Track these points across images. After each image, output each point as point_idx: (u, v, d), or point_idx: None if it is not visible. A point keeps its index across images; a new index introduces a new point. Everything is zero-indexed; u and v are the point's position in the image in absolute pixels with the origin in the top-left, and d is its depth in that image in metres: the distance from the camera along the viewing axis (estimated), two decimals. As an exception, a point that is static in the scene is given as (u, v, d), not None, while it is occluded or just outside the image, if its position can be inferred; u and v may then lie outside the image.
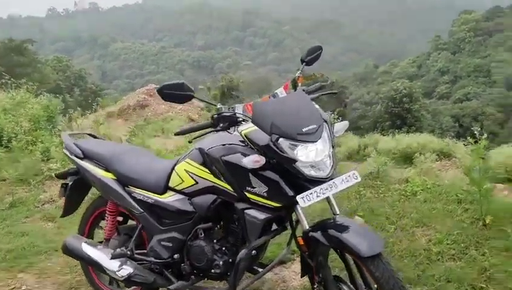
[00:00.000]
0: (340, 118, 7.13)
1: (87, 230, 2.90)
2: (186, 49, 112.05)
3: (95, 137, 3.01)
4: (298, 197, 1.94)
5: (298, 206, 2.01)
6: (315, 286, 2.15)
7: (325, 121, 2.11)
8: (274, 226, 2.34)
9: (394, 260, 2.90)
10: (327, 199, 2.11)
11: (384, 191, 3.99)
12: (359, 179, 2.10)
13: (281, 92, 2.43)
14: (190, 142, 2.26)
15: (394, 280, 1.87)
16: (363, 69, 71.52)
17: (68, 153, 2.73)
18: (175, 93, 2.04)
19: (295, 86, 2.42)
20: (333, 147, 2.09)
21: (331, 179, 2.03)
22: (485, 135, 3.45)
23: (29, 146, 5.91)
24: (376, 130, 26.81)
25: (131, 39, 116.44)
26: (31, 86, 7.88)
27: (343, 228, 1.98)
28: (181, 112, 31.36)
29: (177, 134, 2.19)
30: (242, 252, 2.15)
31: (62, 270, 3.26)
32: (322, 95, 2.47)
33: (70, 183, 2.80)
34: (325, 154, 2.01)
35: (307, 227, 2.05)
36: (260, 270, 2.48)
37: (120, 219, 2.82)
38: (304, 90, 2.37)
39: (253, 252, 2.25)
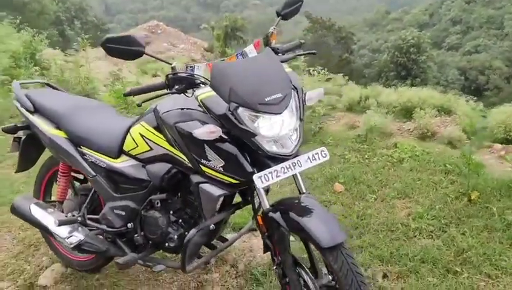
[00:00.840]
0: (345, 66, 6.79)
1: (42, 191, 2.71)
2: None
3: (53, 88, 2.74)
4: (255, 177, 1.71)
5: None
6: (274, 268, 1.98)
7: (296, 89, 1.84)
8: (236, 200, 2.14)
9: (369, 234, 2.73)
10: (294, 175, 1.90)
11: (370, 156, 3.77)
12: (328, 157, 1.86)
13: (250, 50, 2.10)
14: (139, 105, 1.99)
15: (354, 274, 1.68)
16: (374, 14, 69.07)
17: (18, 106, 2.48)
18: (122, 48, 1.73)
19: (267, 44, 2.12)
20: (301, 119, 1.83)
21: (296, 156, 1.80)
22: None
23: (7, 86, 5.64)
24: (381, 80, 26.27)
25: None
26: (13, 19, 7.42)
27: (306, 212, 1.77)
28: (183, 52, 30.69)
29: (126, 95, 1.92)
30: (193, 230, 1.97)
31: (23, 225, 3.11)
32: (299, 55, 2.19)
33: (23, 138, 2.58)
34: (290, 129, 1.76)
35: (267, 206, 1.83)
36: (218, 246, 2.31)
37: (80, 176, 2.61)
38: (276, 50, 2.08)
39: (212, 226, 2.06)
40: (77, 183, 2.64)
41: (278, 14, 2.13)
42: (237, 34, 31.61)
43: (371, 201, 3.12)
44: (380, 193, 3.21)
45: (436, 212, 2.90)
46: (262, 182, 1.71)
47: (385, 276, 2.41)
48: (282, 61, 2.01)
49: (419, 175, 3.37)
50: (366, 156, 3.78)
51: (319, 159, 1.83)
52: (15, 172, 2.80)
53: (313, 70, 5.59)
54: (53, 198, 2.73)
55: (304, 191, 1.93)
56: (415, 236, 2.71)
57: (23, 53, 6.28)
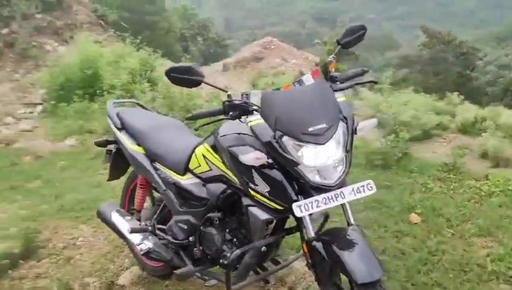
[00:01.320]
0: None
1: (127, 199, 3.02)
2: (310, 0, 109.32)
3: (143, 107, 3.06)
4: (294, 205, 1.76)
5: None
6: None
7: (345, 119, 1.84)
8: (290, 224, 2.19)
9: (438, 272, 2.57)
10: (343, 206, 1.90)
11: (456, 187, 3.52)
12: (374, 191, 1.85)
13: (307, 79, 2.15)
14: (196, 129, 2.15)
15: None
16: (504, 27, 63.15)
17: (109, 122, 2.81)
18: (183, 78, 1.90)
19: (326, 73, 2.14)
20: (347, 151, 1.82)
21: (342, 186, 1.80)
22: None
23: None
24: (505, 99, 23.83)
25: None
26: (134, 40, 8.30)
27: (348, 245, 1.77)
28: (294, 66, 31.18)
29: (188, 119, 2.09)
30: (238, 251, 2.06)
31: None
32: (357, 84, 2.17)
33: (113, 151, 2.91)
34: (334, 159, 1.78)
35: (312, 235, 1.86)
36: (269, 268, 2.36)
37: None
38: (334, 78, 2.09)
39: (263, 248, 2.13)
40: (157, 195, 2.91)
41: (338, 43, 2.14)
42: (349, 49, 31.25)
43: (448, 236, 2.92)
44: (460, 228, 2.98)
45: (520, 256, 2.62)
46: (301, 211, 1.75)
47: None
48: (338, 90, 2.02)
49: (509, 212, 3.07)
50: (451, 187, 3.54)
51: (364, 192, 1.82)
52: (107, 180, 3.16)
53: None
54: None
55: (353, 222, 1.93)
56: (490, 280, 2.49)
57: (139, 70, 7.00)
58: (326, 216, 2.19)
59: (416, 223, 3.09)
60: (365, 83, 2.24)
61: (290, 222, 2.14)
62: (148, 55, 7.75)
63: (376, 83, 2.31)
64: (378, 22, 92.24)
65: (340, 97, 1.95)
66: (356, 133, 1.93)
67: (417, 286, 2.48)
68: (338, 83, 2.08)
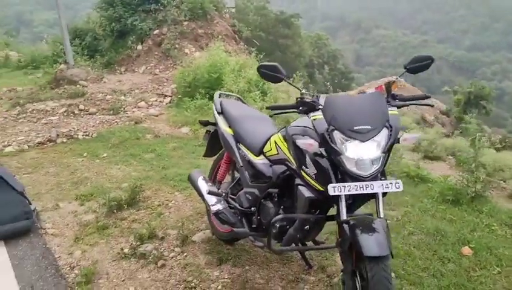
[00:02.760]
0: None
1: (215, 171, 3.63)
2: (449, 47, 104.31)
3: (242, 101, 3.67)
4: (330, 186, 2.16)
5: (341, 195, 2.22)
6: (341, 273, 2.36)
7: (390, 127, 2.21)
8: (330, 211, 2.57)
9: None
10: (376, 199, 2.26)
11: (524, 231, 3.53)
12: (401, 189, 2.18)
13: (371, 92, 2.55)
14: (271, 116, 2.67)
15: (384, 285, 1.95)
16: None
17: (213, 107, 3.46)
18: (269, 73, 2.45)
19: (388, 90, 2.51)
20: (385, 152, 2.19)
21: (373, 180, 2.17)
22: None
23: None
24: None
25: (394, 27, 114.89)
26: (257, 54, 9.15)
27: (369, 230, 2.12)
28: (417, 110, 30.24)
29: (267, 108, 2.62)
30: (280, 215, 2.50)
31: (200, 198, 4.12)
32: (412, 104, 2.51)
33: (212, 131, 3.55)
34: (370, 157, 2.15)
35: (344, 217, 2.24)
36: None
37: None
38: (395, 96, 2.45)
39: (306, 227, 2.56)
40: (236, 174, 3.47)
41: (405, 67, 2.50)
42: (481, 102, 29.39)
43: (493, 272, 3.01)
44: (509, 269, 3.05)
45: (561, 305, 2.65)
46: (334, 191, 2.16)
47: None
48: (395, 106, 2.38)
49: None
50: (519, 229, 3.56)
51: (391, 188, 2.17)
52: (202, 156, 3.82)
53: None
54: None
55: (382, 216, 2.26)
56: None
57: (255, 81, 7.78)
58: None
59: (466, 255, 3.22)
60: (420, 104, 2.56)
61: (333, 211, 2.52)
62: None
63: (432, 106, 2.59)
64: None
65: (392, 111, 2.32)
66: (399, 142, 2.29)
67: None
68: (397, 100, 2.45)
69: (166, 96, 9.07)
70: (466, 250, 3.27)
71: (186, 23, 11.75)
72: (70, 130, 6.88)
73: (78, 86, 9.19)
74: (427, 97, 2.58)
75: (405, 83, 32.51)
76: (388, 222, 3.61)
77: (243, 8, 34.54)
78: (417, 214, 3.89)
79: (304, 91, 2.44)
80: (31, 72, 12.15)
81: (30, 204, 3.87)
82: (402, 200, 4.19)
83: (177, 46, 11.41)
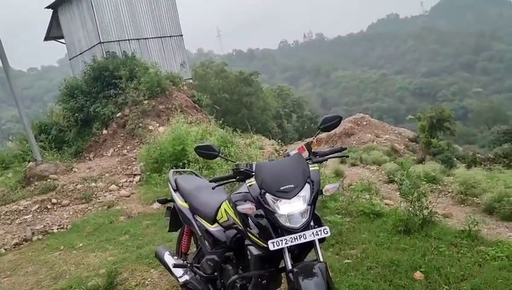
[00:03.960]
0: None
1: (180, 245, 3.89)
2: (407, 76, 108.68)
3: (195, 175, 4.02)
4: (269, 242, 2.48)
5: (284, 248, 2.53)
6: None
7: (312, 182, 2.58)
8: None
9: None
10: (314, 246, 2.57)
11: (465, 251, 3.87)
12: (329, 234, 2.52)
13: (293, 153, 2.94)
14: (213, 188, 3.01)
15: None
16: None
17: (169, 185, 3.79)
18: (204, 152, 2.82)
19: (309, 149, 2.90)
20: (310, 204, 2.54)
21: (304, 230, 2.50)
22: None
23: (203, 170, 7.45)
24: None
25: (352, 67, 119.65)
26: (217, 121, 9.67)
27: (310, 276, 2.42)
28: (386, 142, 31.08)
29: (210, 181, 2.96)
30: (235, 276, 2.78)
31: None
32: (330, 158, 2.90)
33: (172, 207, 3.85)
34: (298, 210, 2.50)
35: (290, 267, 2.54)
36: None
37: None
38: (315, 153, 2.84)
39: (264, 282, 2.83)
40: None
41: (318, 128, 2.91)
42: (444, 124, 30.58)
43: (442, 290, 3.32)
44: (455, 285, 3.36)
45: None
46: (273, 246, 2.47)
47: None
48: (316, 162, 2.77)
49: (504, 274, 3.37)
50: (461, 251, 3.89)
51: (321, 234, 2.50)
52: (167, 231, 4.09)
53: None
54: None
55: (321, 259, 2.57)
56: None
57: (218, 145, 8.16)
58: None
59: (418, 279, 3.52)
60: (336, 157, 2.96)
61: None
62: (227, 133, 8.98)
63: (347, 157, 3.00)
64: (485, 95, 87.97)
65: (313, 167, 2.70)
66: (322, 194, 2.66)
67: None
68: (317, 157, 2.84)
69: (135, 175, 9.37)
70: (418, 275, 3.57)
71: (146, 102, 12.28)
72: (45, 225, 7.05)
73: (48, 180, 9.40)
74: (344, 149, 2.99)
75: (371, 119, 33.72)
76: (348, 261, 3.94)
77: (203, 74, 35.80)
78: (374, 249, 4.21)
79: (237, 162, 2.82)
80: (1, 173, 12.28)
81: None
82: (360, 238, 4.51)
83: (140, 124, 11.86)
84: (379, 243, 4.33)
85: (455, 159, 23.16)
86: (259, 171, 2.65)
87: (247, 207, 2.58)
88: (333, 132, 26.10)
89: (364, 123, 31.93)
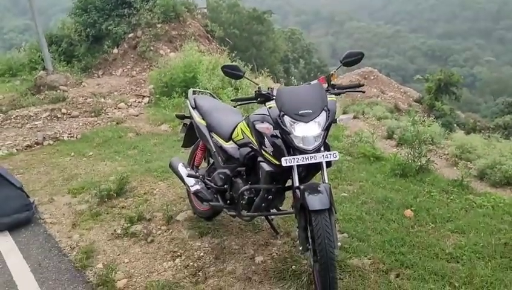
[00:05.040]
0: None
1: (192, 159, 4.15)
2: (422, 36, 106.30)
3: (212, 96, 4.20)
4: (283, 158, 2.72)
5: (293, 166, 2.77)
6: (296, 229, 2.92)
7: (328, 111, 2.78)
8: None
9: (406, 247, 3.32)
10: (321, 168, 2.81)
11: (455, 198, 4.17)
12: (338, 158, 2.76)
13: (314, 82, 3.11)
14: (235, 106, 3.21)
15: (326, 235, 2.51)
16: None
17: (187, 103, 3.99)
18: (230, 72, 3.00)
19: (328, 81, 3.08)
20: (323, 130, 2.75)
21: (316, 152, 2.73)
22: None
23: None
24: None
25: (367, 19, 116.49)
26: (230, 53, 9.71)
27: (314, 191, 2.68)
28: (390, 99, 31.02)
29: (232, 100, 3.16)
30: (247, 186, 3.05)
31: (182, 186, 4.61)
32: (348, 91, 3.08)
33: (188, 124, 4.07)
34: (312, 134, 2.72)
35: (297, 184, 2.80)
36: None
37: None
38: (334, 85, 3.03)
39: (269, 197, 3.10)
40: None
41: (340, 62, 3.07)
42: (451, 88, 30.48)
43: (428, 228, 3.63)
44: (440, 225, 3.67)
45: (477, 248, 3.27)
46: (286, 162, 2.71)
47: (397, 275, 3.02)
48: (334, 94, 2.96)
49: (487, 220, 3.68)
50: (451, 197, 4.18)
51: (330, 157, 2.74)
52: (181, 146, 4.34)
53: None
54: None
55: (326, 181, 2.82)
56: (445, 259, 3.17)
57: (228, 78, 8.30)
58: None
59: (408, 216, 3.83)
60: (354, 92, 3.14)
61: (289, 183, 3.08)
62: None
63: (363, 92, 3.18)
64: (496, 65, 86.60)
65: (331, 97, 2.89)
66: (336, 122, 2.88)
67: (385, 252, 3.27)
68: (335, 89, 3.02)
69: (144, 96, 9.54)
70: (408, 212, 3.88)
71: (159, 25, 12.20)
72: (55, 132, 7.31)
73: (58, 91, 9.57)
74: (361, 85, 3.17)
75: (379, 74, 33.47)
76: (344, 194, 4.23)
77: (216, 6, 34.89)
78: (370, 187, 4.50)
79: (260, 85, 3.00)
80: (9, 80, 12.41)
81: (28, 197, 4.33)
82: (358, 177, 4.80)
83: (152, 48, 11.86)
84: (376, 183, 4.62)
85: (455, 125, 23.38)
86: (281, 95, 2.85)
87: (264, 127, 2.80)
88: (338, 82, 26.20)
89: (372, 78, 31.75)
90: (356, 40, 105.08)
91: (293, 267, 3.17)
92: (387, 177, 4.72)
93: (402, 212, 3.90)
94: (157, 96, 9.06)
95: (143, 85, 10.34)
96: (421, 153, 4.56)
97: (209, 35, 13.34)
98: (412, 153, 4.65)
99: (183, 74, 8.75)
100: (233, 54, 10.16)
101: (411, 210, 3.91)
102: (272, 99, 2.89)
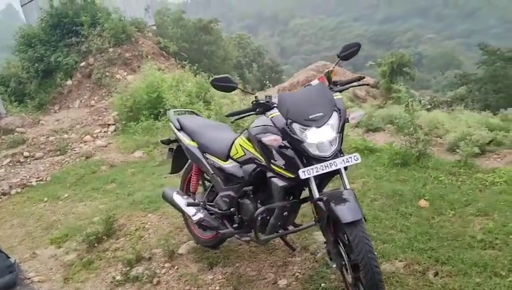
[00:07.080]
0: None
1: (185, 185, 3.82)
2: (364, 23, 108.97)
3: (196, 114, 3.88)
4: (300, 171, 2.44)
5: (310, 177, 2.50)
6: (324, 246, 2.65)
7: (339, 110, 2.53)
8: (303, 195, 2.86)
9: (434, 241, 3.11)
10: (340, 174, 2.56)
11: (464, 179, 4.02)
12: (359, 161, 2.51)
13: (314, 83, 2.87)
14: (232, 122, 2.91)
15: (365, 246, 2.25)
16: None
17: (171, 126, 3.65)
18: (223, 85, 2.69)
19: (329, 79, 2.84)
20: (339, 132, 2.50)
21: (335, 158, 2.47)
22: None
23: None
24: None
25: (310, 14, 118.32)
26: (191, 66, 9.37)
27: (341, 201, 2.41)
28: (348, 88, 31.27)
29: (226, 116, 2.86)
30: (262, 208, 2.75)
31: (175, 215, 4.27)
32: (352, 86, 2.85)
33: (174, 148, 3.73)
34: (328, 139, 2.46)
35: (317, 195, 2.53)
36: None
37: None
38: (335, 82, 2.79)
39: (285, 213, 2.81)
40: (207, 182, 3.68)
41: (338, 56, 2.83)
42: (404, 70, 31.12)
43: (449, 216, 3.45)
44: (460, 210, 3.50)
45: (508, 229, 3.10)
46: (304, 174, 2.44)
47: (436, 274, 2.80)
48: (337, 91, 2.71)
49: (506, 197, 3.54)
50: (460, 179, 4.03)
51: (351, 161, 2.48)
52: (169, 173, 3.99)
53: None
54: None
55: (347, 187, 2.56)
56: (479, 247, 2.98)
57: (195, 92, 7.98)
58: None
59: (424, 207, 3.63)
60: (358, 85, 2.91)
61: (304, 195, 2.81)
62: (203, 79, 8.74)
63: (368, 85, 2.97)
64: (438, 41, 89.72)
65: (337, 95, 2.65)
66: (348, 121, 2.63)
67: (415, 250, 3.05)
68: (338, 86, 2.78)
69: (109, 125, 9.06)
70: (423, 202, 3.68)
71: (111, 49, 11.69)
72: (21, 179, 6.76)
73: (16, 134, 8.94)
74: (363, 78, 2.95)
75: (331, 66, 33.82)
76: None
77: (161, 23, 34.26)
78: (374, 182, 4.29)
79: (256, 95, 2.72)
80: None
81: (9, 258, 3.86)
82: (359, 173, 4.59)
83: (107, 74, 11.34)
84: (378, 176, 4.42)
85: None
86: (284, 101, 2.58)
87: (271, 139, 2.52)
88: (295, 80, 26.24)
89: (326, 71, 32.09)
90: (302, 36, 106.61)
91: (322, 285, 2.91)
92: (388, 169, 4.53)
93: (416, 203, 3.70)
94: (123, 122, 8.60)
95: (105, 113, 9.83)
96: (419, 139, 4.40)
97: (163, 52, 12.92)
98: (410, 140, 4.47)
99: (147, 95, 8.35)
100: (195, 67, 9.78)
101: (425, 200, 3.72)
102: (273, 108, 2.61)
